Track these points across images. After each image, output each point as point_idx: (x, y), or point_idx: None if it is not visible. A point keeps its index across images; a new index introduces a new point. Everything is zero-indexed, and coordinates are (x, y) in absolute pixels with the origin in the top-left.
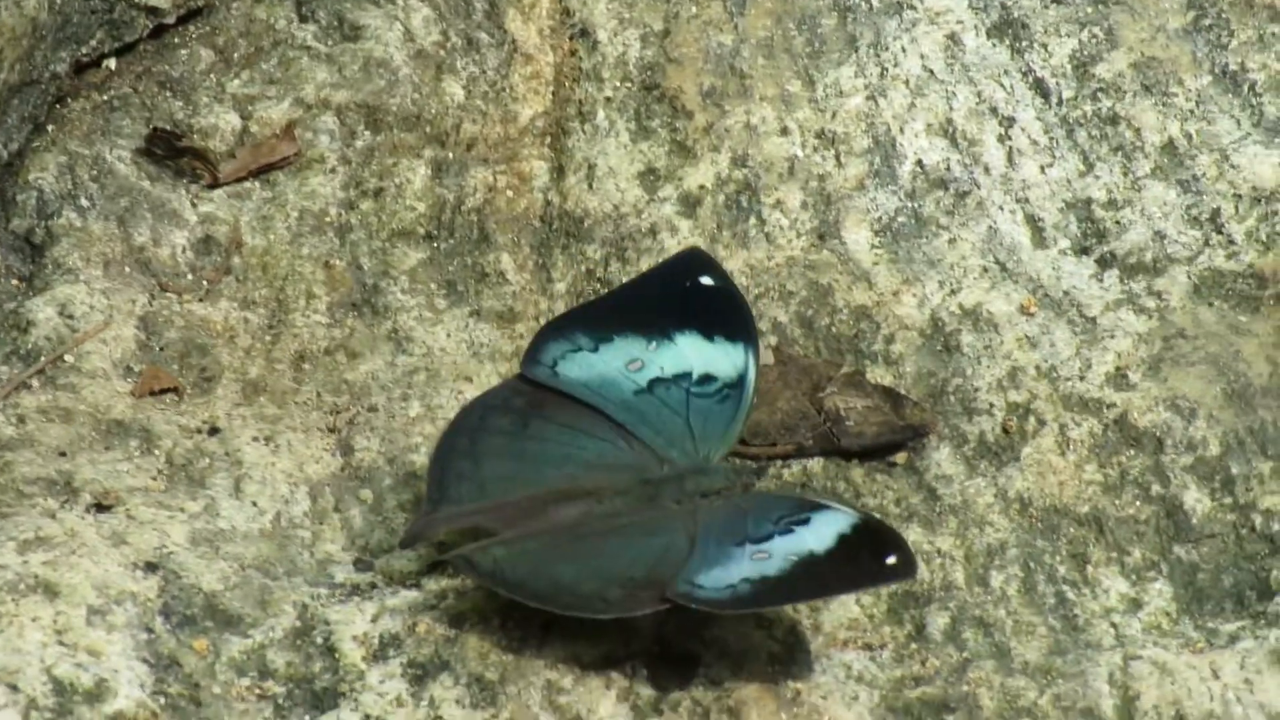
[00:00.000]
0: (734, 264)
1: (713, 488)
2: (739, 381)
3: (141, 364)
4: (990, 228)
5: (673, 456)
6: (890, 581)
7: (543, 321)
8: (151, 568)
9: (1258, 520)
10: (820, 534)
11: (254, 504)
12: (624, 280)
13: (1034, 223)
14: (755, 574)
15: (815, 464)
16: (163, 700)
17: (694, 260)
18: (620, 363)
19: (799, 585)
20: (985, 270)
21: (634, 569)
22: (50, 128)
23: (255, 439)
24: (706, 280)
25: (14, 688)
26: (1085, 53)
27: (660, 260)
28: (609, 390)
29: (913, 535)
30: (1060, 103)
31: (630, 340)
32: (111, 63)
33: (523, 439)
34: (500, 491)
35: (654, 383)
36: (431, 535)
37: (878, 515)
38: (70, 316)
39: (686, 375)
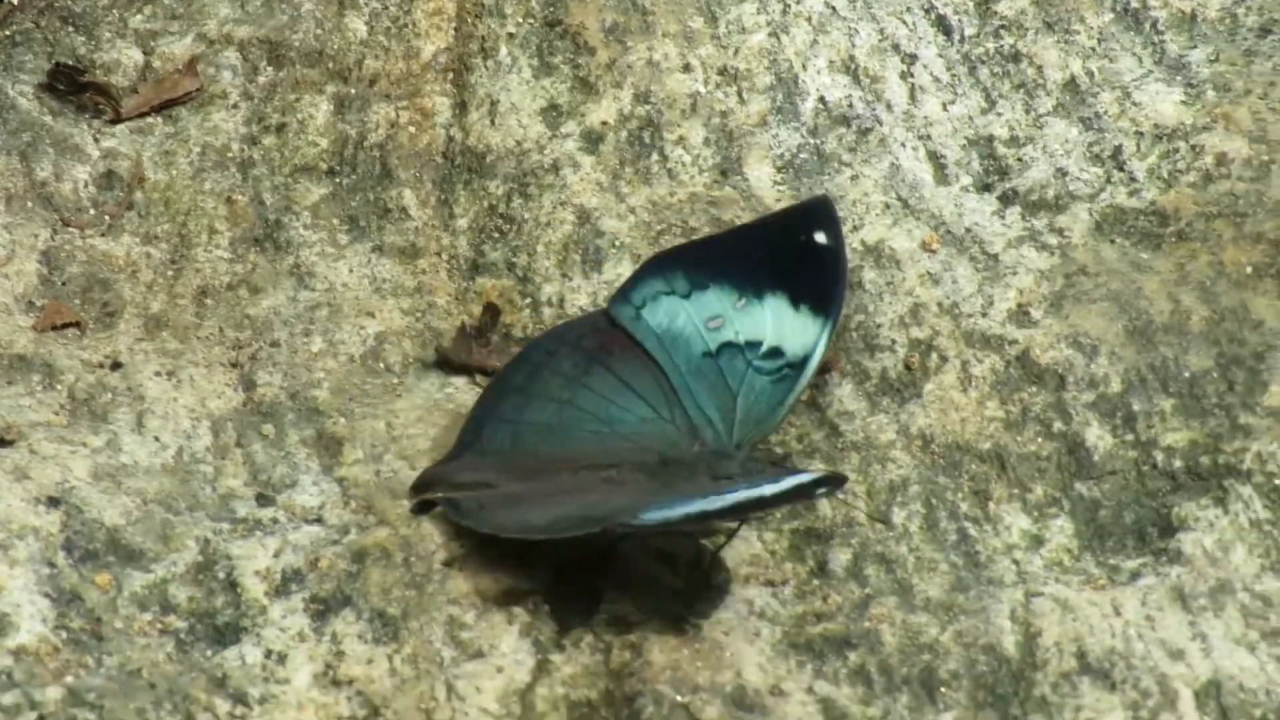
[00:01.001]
0: (636, 200)
1: (726, 474)
2: (801, 363)
3: (43, 299)
4: (892, 164)
5: (706, 436)
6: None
7: (445, 257)
8: (54, 502)
9: (1159, 457)
10: (780, 484)
11: (156, 439)
12: (526, 215)
13: (936, 160)
14: (696, 510)
15: None
16: (64, 635)
17: (818, 212)
18: (703, 317)
19: (730, 513)
20: (887, 207)
21: (596, 514)
22: None
23: (157, 374)
24: (820, 238)
25: None
26: None
27: (786, 204)
28: (679, 347)
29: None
30: (962, 40)
31: (724, 292)
32: None
33: (577, 387)
34: (529, 443)
35: (724, 346)
36: (444, 486)
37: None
38: None
39: (757, 345)
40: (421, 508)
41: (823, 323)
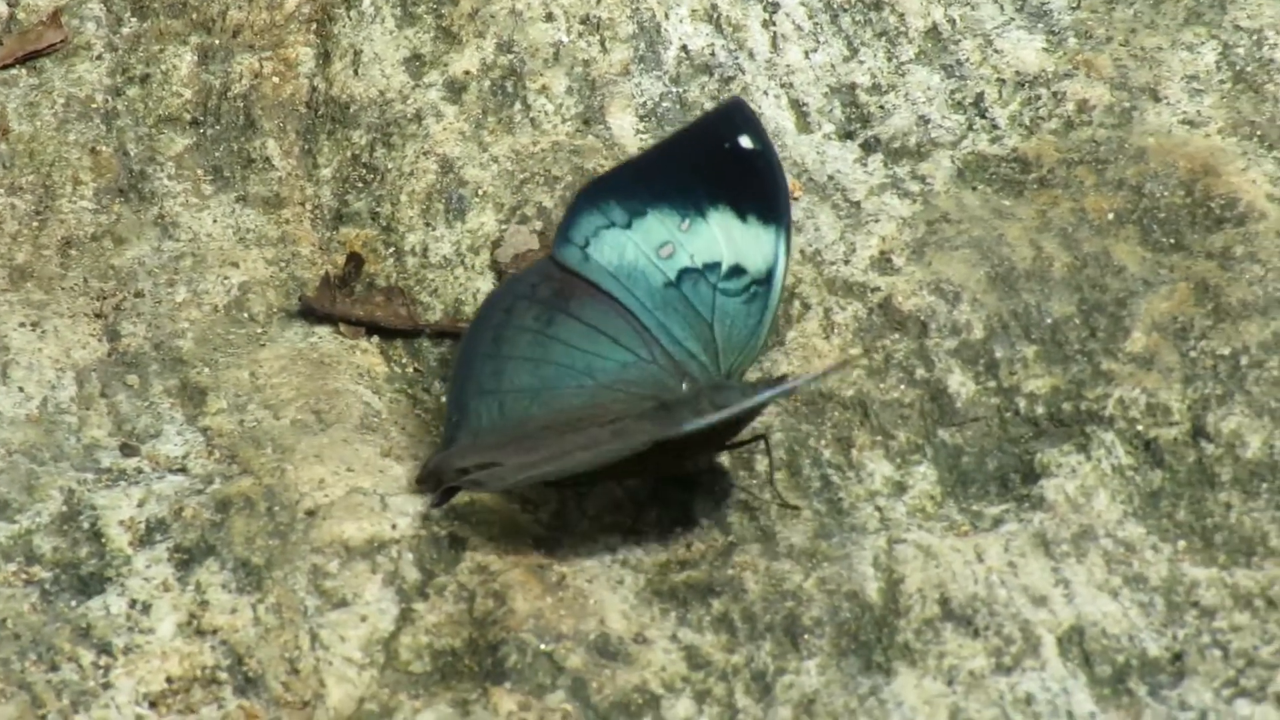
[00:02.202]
0: (499, 149)
1: (730, 402)
2: (767, 277)
3: None
4: (755, 112)
5: (693, 371)
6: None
7: (308, 207)
8: None
9: (1021, 404)
10: (803, 379)
11: (20, 389)
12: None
13: (798, 108)
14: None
15: None
16: None
17: (735, 115)
18: (651, 245)
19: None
20: None
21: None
22: None
23: (22, 325)
24: (746, 142)
25: None
26: None
27: (699, 114)
28: (637, 283)
29: None
30: None
31: (664, 215)
32: None
33: (546, 340)
34: (518, 410)
35: (683, 274)
36: (450, 476)
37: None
38: None
39: (715, 267)
40: (442, 499)
41: (775, 230)
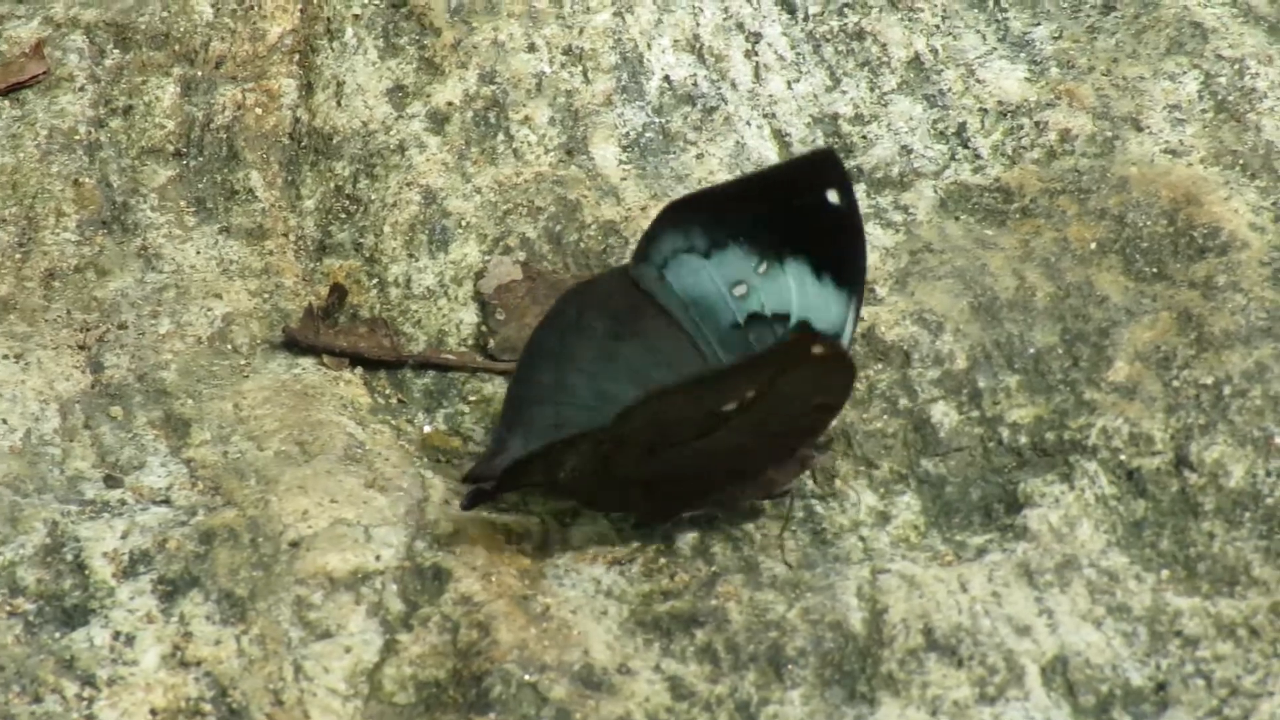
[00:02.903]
0: (482, 180)
1: None
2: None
3: None
4: (738, 143)
5: None
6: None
7: (292, 238)
8: None
9: (1005, 433)
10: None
11: (4, 421)
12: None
13: (781, 138)
14: None
15: None
16: None
17: (824, 167)
18: (727, 281)
19: None
20: None
21: None
22: None
23: (5, 356)
24: (833, 197)
25: None
26: None
27: (786, 159)
28: (707, 318)
29: None
30: (806, 18)
31: (744, 253)
32: None
33: (612, 354)
34: (574, 423)
35: (752, 319)
36: (493, 476)
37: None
38: None
39: (784, 319)
40: (472, 501)
41: (847, 296)
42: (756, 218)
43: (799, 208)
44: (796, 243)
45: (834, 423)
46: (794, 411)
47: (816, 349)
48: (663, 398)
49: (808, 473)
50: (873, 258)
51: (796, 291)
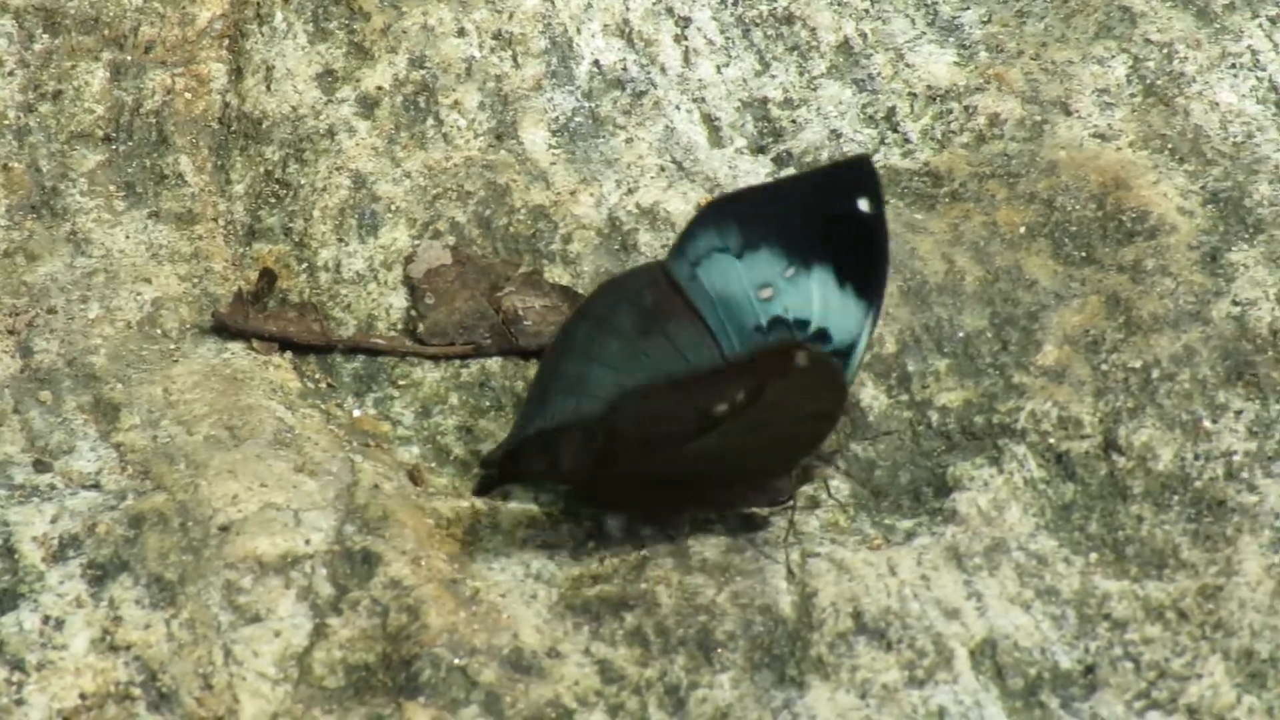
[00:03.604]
0: (412, 165)
1: None
2: (847, 351)
3: None
4: (667, 127)
5: None
6: None
7: (221, 223)
8: None
9: (934, 417)
10: None
11: None
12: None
13: (710, 122)
14: None
15: (494, 363)
16: None
17: (860, 174)
18: (755, 283)
19: None
20: (662, 169)
21: None
22: None
23: None
24: (864, 206)
25: None
26: None
27: (826, 161)
28: (732, 317)
29: None
30: (736, 2)
31: (774, 255)
32: None
33: (637, 351)
34: (592, 416)
35: (774, 323)
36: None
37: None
38: None
39: (805, 325)
40: (483, 489)
41: (866, 308)
42: (789, 221)
43: (830, 213)
44: (824, 249)
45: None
46: (788, 419)
47: (800, 359)
48: (648, 396)
49: (812, 483)
50: None
51: (819, 299)
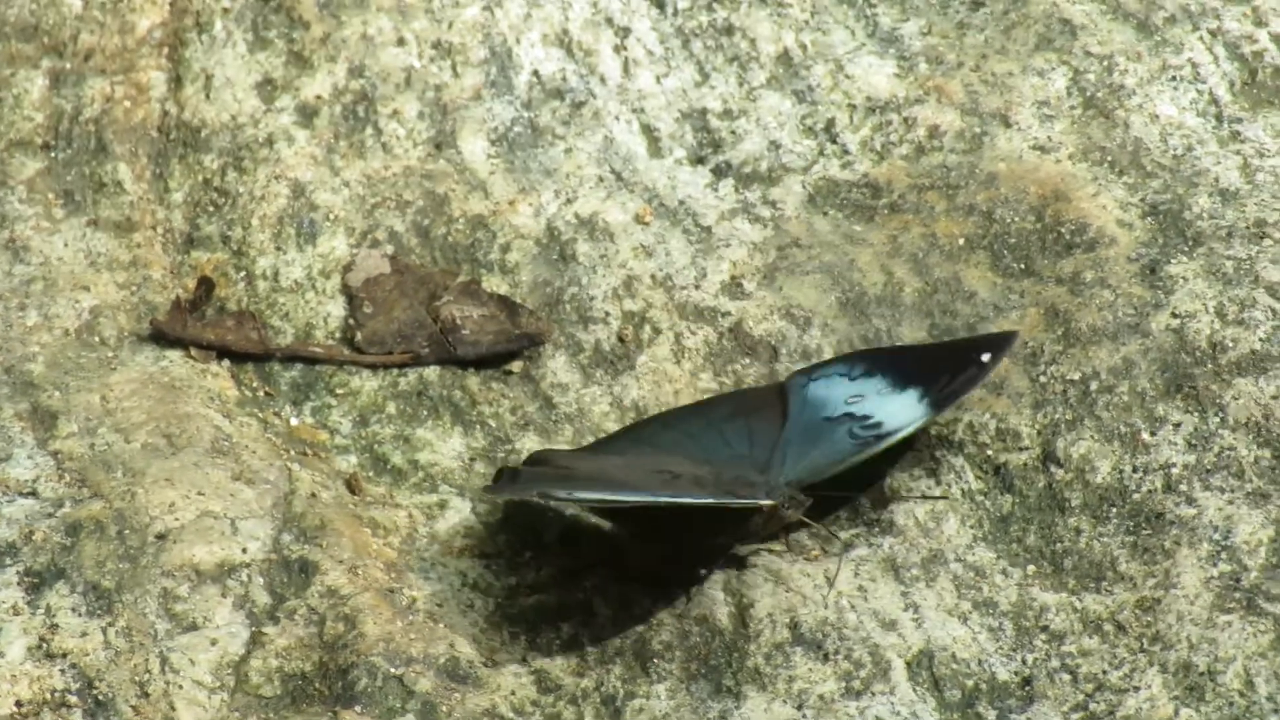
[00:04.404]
0: (351, 174)
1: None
2: (885, 435)
3: None
4: (606, 137)
5: (773, 473)
6: None
7: (160, 231)
8: None
9: None
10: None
11: None
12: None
13: (650, 133)
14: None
15: (431, 372)
16: None
17: (998, 342)
18: (850, 394)
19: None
20: (601, 180)
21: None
22: None
23: None
24: (985, 358)
25: None
26: None
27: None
28: (811, 410)
29: (529, 443)
30: (675, 13)
31: (879, 381)
32: None
33: (710, 432)
34: (636, 451)
35: (844, 416)
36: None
37: None
38: None
39: (866, 419)
40: (498, 486)
41: (925, 412)
42: (915, 365)
43: (954, 361)
44: (926, 378)
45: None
46: None
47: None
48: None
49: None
50: (740, 252)
51: (895, 406)
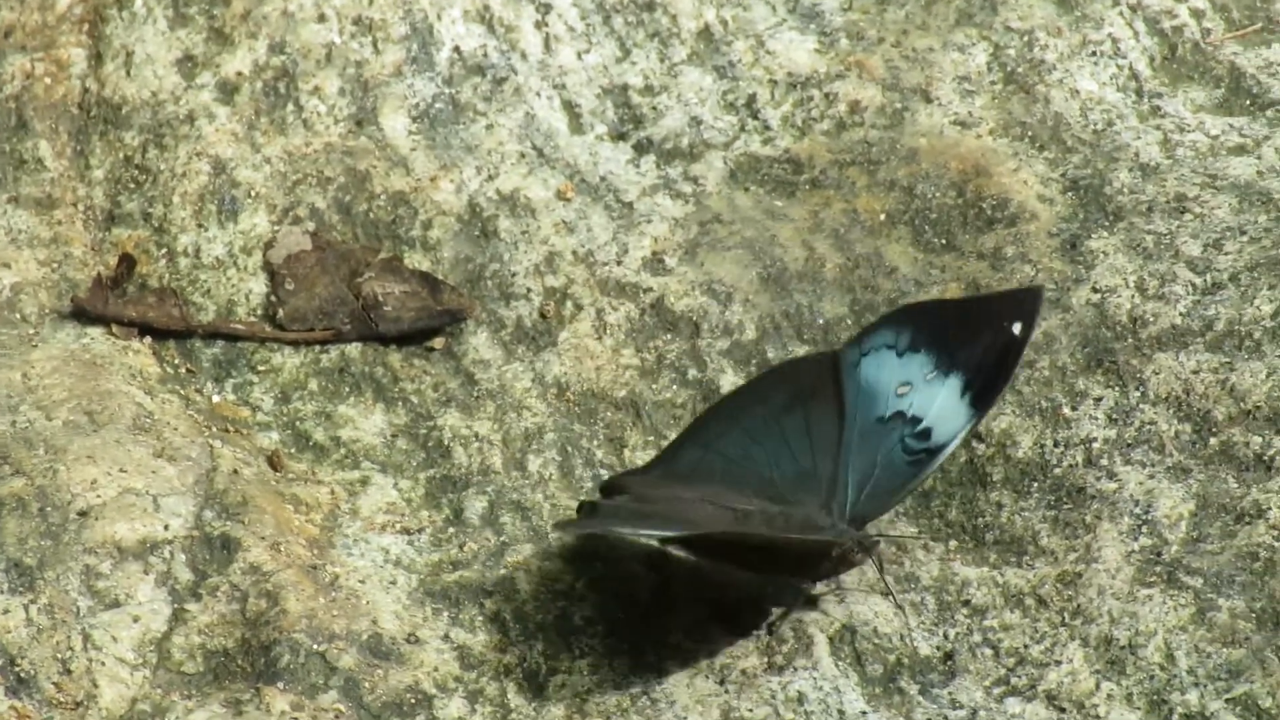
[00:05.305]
0: (272, 151)
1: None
2: (936, 451)
3: None
4: (528, 114)
5: (835, 506)
6: None
7: (81, 208)
8: None
9: None
10: None
11: None
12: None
13: (571, 109)
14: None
15: (354, 349)
16: None
17: (1026, 303)
18: (900, 379)
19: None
20: (523, 156)
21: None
22: None
23: None
24: (1016, 329)
25: None
26: None
27: (999, 286)
28: (866, 407)
29: (451, 420)
30: None
31: (924, 360)
32: None
33: (771, 425)
34: (708, 471)
35: (896, 416)
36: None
37: None
38: None
39: (918, 421)
40: (565, 524)
41: (971, 416)
42: (949, 332)
43: (985, 332)
44: (965, 361)
45: (622, 393)
46: None
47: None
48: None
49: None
50: (662, 228)
51: (940, 403)
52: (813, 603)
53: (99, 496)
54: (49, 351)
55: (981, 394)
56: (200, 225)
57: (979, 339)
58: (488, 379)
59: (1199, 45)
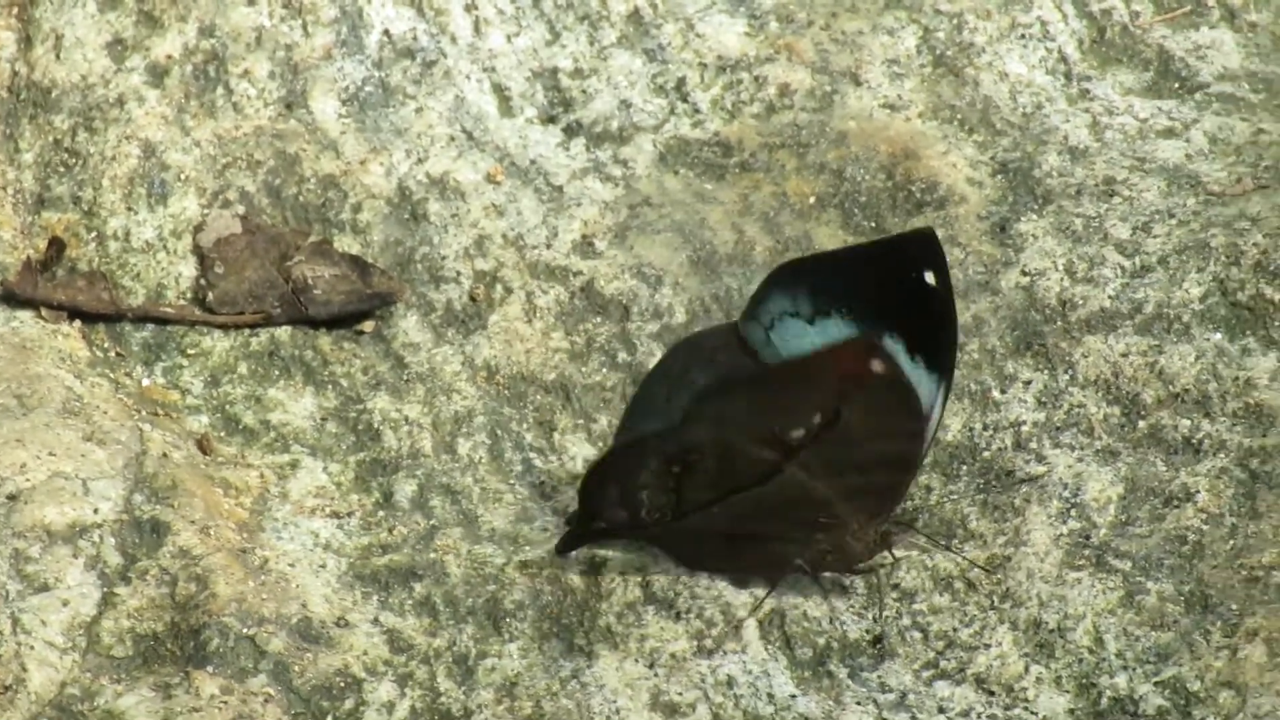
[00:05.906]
0: (202, 134)
1: None
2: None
3: None
4: (457, 97)
5: None
6: None
7: (10, 191)
8: None
9: None
10: None
11: None
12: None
13: (501, 92)
14: None
15: (283, 333)
16: None
17: (925, 247)
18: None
19: None
20: (452, 139)
21: None
22: None
23: None
24: (930, 278)
25: None
26: None
27: (886, 234)
28: None
29: (380, 403)
30: None
31: (845, 324)
32: None
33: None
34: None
35: None
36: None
37: None
38: None
39: None
40: (566, 546)
41: (937, 380)
42: (857, 290)
43: (898, 285)
44: (895, 320)
45: (551, 376)
46: (864, 459)
47: (875, 365)
48: (723, 396)
49: (889, 552)
50: (592, 211)
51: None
52: (742, 585)
53: (28, 480)
54: None
55: (934, 356)
56: (130, 209)
57: (887, 293)
58: (417, 362)
59: (1128, 28)
